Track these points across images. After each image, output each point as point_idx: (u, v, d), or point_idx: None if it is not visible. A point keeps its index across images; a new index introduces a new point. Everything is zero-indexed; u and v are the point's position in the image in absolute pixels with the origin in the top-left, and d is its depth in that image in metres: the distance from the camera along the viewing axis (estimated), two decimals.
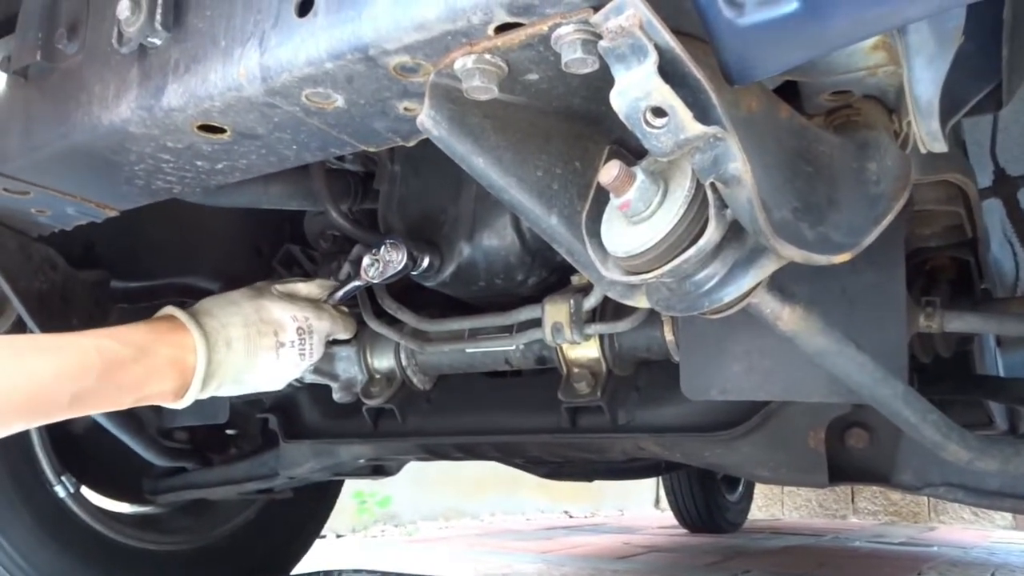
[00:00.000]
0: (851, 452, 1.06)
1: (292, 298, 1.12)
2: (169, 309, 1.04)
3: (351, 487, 3.34)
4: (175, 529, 1.76)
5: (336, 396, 1.33)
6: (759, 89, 0.62)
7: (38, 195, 0.94)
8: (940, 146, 0.59)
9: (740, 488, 4.25)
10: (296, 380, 1.20)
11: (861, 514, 5.45)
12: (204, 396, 1.03)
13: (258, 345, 1.05)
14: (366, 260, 1.12)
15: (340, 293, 1.17)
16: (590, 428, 1.15)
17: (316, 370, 1.29)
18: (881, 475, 1.05)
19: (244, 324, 1.05)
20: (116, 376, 0.93)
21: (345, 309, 1.19)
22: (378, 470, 1.60)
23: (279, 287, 1.14)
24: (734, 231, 0.61)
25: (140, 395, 0.97)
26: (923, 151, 0.61)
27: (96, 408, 0.95)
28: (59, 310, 1.16)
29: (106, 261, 1.30)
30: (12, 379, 0.85)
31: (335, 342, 1.27)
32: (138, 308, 1.40)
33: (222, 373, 1.02)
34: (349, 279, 1.17)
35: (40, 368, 0.87)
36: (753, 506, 4.71)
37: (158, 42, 0.74)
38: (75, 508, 1.55)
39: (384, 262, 1.11)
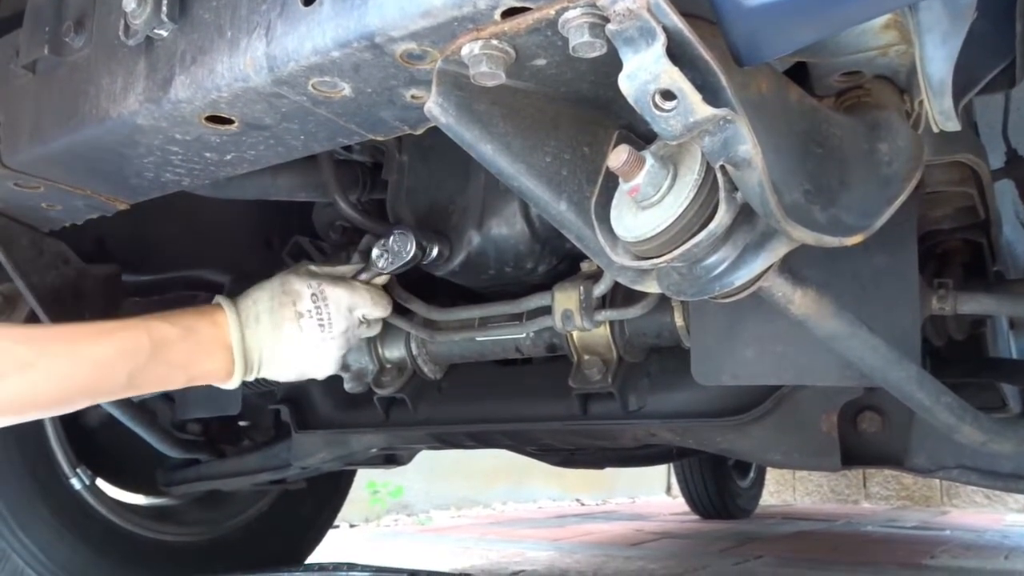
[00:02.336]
0: (864, 436, 1.06)
1: (315, 273, 1.13)
2: (216, 297, 1.09)
3: (363, 477, 3.35)
4: (190, 520, 1.77)
5: (347, 386, 1.33)
6: (769, 70, 0.62)
7: (48, 189, 0.95)
8: (953, 125, 0.58)
9: (752, 474, 4.24)
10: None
11: (873, 499, 5.45)
12: (251, 377, 1.07)
13: (281, 316, 1.07)
14: (375, 251, 1.12)
15: (363, 276, 1.15)
16: (601, 415, 1.15)
17: None
18: (894, 458, 1.05)
19: (269, 298, 1.08)
20: (166, 354, 0.98)
21: (379, 286, 1.17)
22: (390, 459, 1.61)
23: (313, 266, 1.15)
24: (745, 214, 0.61)
25: (191, 373, 1.02)
26: (936, 130, 0.60)
27: (152, 387, 1.01)
28: (71, 304, 1.17)
29: (117, 255, 1.31)
30: (72, 364, 0.92)
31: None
32: (150, 301, 1.41)
33: (256, 348, 1.06)
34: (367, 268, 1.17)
35: (96, 351, 0.93)
36: (765, 492, 4.71)
37: (164, 34, 0.74)
38: (91, 500, 1.56)
39: (393, 253, 1.11)
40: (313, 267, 1.15)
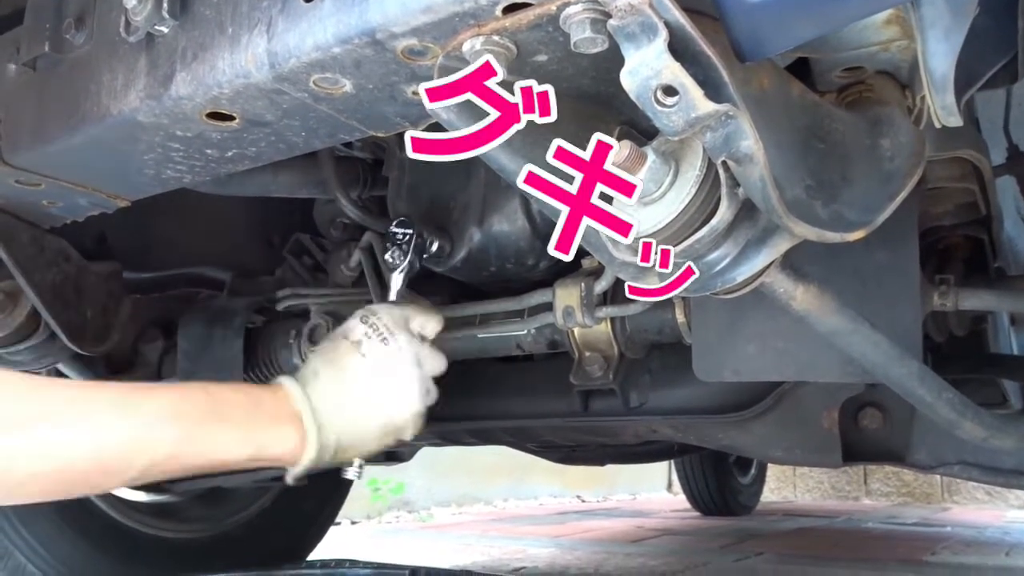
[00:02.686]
0: (865, 432, 1.06)
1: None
2: (278, 378, 1.00)
3: (365, 474, 3.35)
4: (192, 517, 1.77)
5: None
6: (771, 66, 0.62)
7: (49, 186, 0.95)
8: (955, 120, 0.58)
9: (752, 470, 4.25)
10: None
11: (874, 495, 5.45)
12: (327, 452, 0.95)
13: (337, 355, 0.99)
14: (387, 256, 1.11)
15: (393, 293, 1.12)
16: (603, 411, 1.15)
17: None
18: (895, 454, 1.05)
19: (321, 351, 1.02)
20: (227, 413, 0.88)
21: (420, 301, 1.15)
22: (391, 456, 1.61)
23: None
24: (746, 210, 0.61)
25: (257, 442, 0.89)
26: (937, 126, 0.60)
27: (211, 454, 0.86)
28: (73, 301, 1.17)
29: (118, 252, 1.31)
30: (116, 414, 0.80)
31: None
32: (151, 298, 1.41)
33: (325, 405, 0.95)
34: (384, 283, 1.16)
35: (145, 403, 0.83)
36: (765, 488, 4.72)
37: (165, 30, 0.73)
38: (93, 497, 1.56)
39: (396, 246, 1.11)
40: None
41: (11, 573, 1.49)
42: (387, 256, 1.11)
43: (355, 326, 1.02)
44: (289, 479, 0.96)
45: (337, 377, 0.97)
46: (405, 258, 1.09)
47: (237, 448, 0.88)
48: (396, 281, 1.11)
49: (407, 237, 1.10)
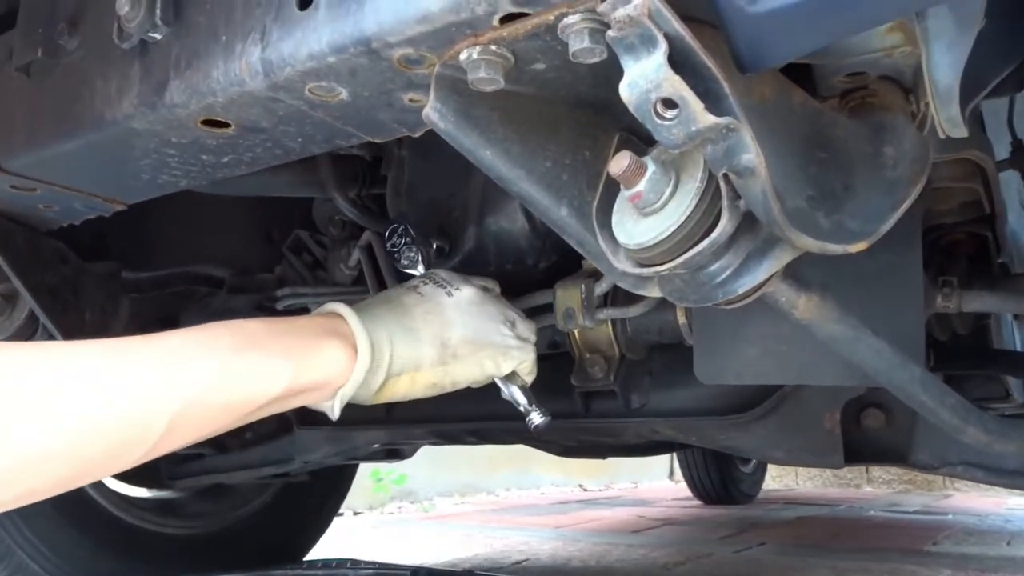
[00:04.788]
0: (867, 432, 1.05)
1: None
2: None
3: (367, 466, 3.36)
4: (193, 513, 1.78)
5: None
6: (772, 75, 0.61)
7: (45, 191, 0.94)
8: (960, 132, 0.57)
9: (754, 460, 4.26)
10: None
11: (876, 483, 5.46)
12: (383, 357, 0.84)
13: (395, 295, 0.93)
14: (404, 260, 1.10)
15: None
16: (604, 413, 1.15)
17: None
18: (898, 455, 1.05)
19: (378, 296, 0.97)
20: (261, 343, 0.76)
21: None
22: (392, 454, 1.61)
23: None
24: (748, 221, 0.60)
25: (300, 364, 0.78)
26: (942, 136, 0.59)
27: (251, 389, 0.74)
28: (71, 303, 1.16)
29: (116, 252, 1.30)
30: (143, 362, 0.68)
31: None
32: (149, 298, 1.40)
33: (379, 327, 0.86)
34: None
35: (166, 342, 0.72)
36: (767, 477, 4.73)
37: (159, 37, 0.72)
38: (94, 494, 1.57)
39: (392, 244, 1.10)
40: None
41: (13, 571, 1.50)
42: (403, 261, 1.09)
43: (411, 280, 0.98)
44: (336, 404, 0.83)
45: (391, 306, 0.90)
46: (417, 253, 1.08)
47: (277, 373, 0.76)
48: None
49: (408, 239, 1.09)
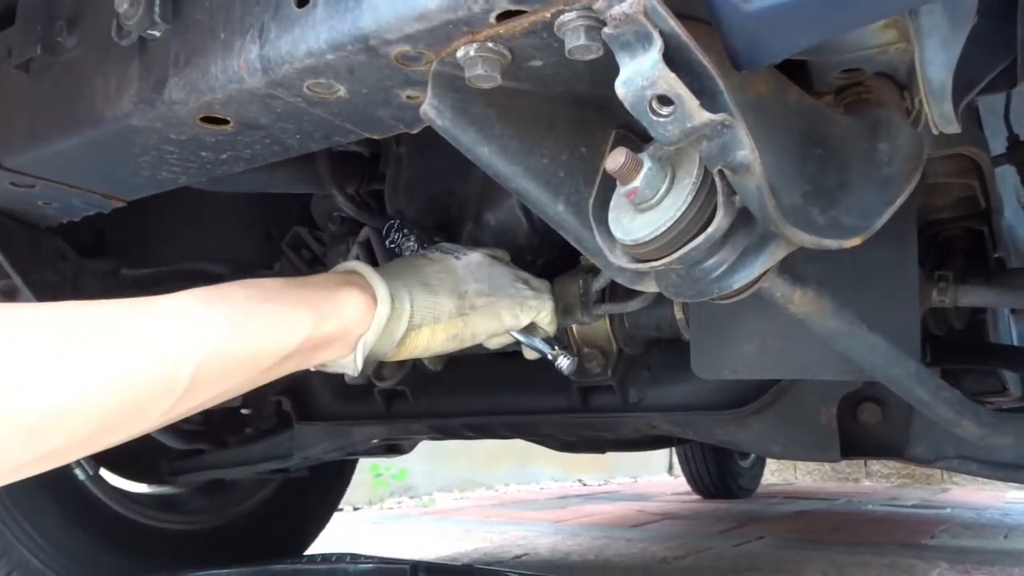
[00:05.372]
0: (864, 427, 1.06)
1: None
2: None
3: (367, 461, 3.37)
4: (194, 509, 1.78)
5: (348, 378, 1.33)
6: (767, 71, 0.61)
7: (44, 188, 0.94)
8: (953, 128, 0.57)
9: (752, 455, 4.27)
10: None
11: (874, 477, 5.48)
12: (404, 307, 0.83)
13: (409, 260, 0.94)
14: (406, 252, 1.09)
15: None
16: (601, 407, 1.15)
17: None
18: (894, 449, 1.05)
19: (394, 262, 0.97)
20: (275, 296, 0.74)
21: None
22: (391, 449, 1.62)
23: None
24: (743, 217, 0.60)
25: (319, 311, 0.76)
26: (935, 133, 0.60)
27: (267, 340, 0.72)
28: (70, 300, 1.17)
29: (116, 249, 1.30)
30: (149, 316, 0.65)
31: None
32: (149, 294, 1.40)
33: (391, 273, 0.86)
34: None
35: (169, 301, 0.69)
36: (766, 471, 4.74)
37: (157, 34, 0.73)
38: (95, 490, 1.57)
39: (391, 240, 1.10)
40: None
41: (15, 567, 1.50)
42: (406, 253, 1.09)
43: (419, 251, 0.99)
44: (359, 355, 0.81)
45: (406, 265, 0.91)
46: (417, 241, 1.09)
47: (297, 321, 0.74)
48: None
49: (406, 231, 1.09)
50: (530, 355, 1.02)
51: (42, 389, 0.58)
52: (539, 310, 0.99)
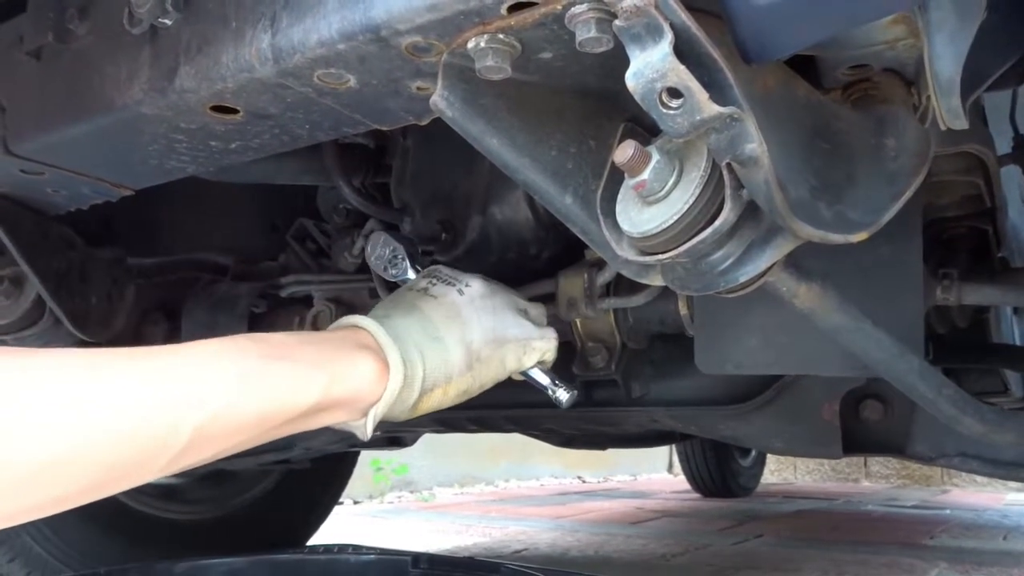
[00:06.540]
0: (866, 423, 1.06)
1: None
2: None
3: (368, 455, 3.38)
4: (196, 499, 1.79)
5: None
6: (776, 65, 0.62)
7: (53, 175, 0.95)
8: (960, 123, 0.58)
9: (753, 453, 4.27)
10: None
11: (874, 478, 5.48)
12: (416, 373, 0.81)
13: (403, 299, 0.90)
14: (394, 272, 1.05)
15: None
16: (605, 401, 1.15)
17: None
18: (896, 446, 1.06)
19: (385, 300, 0.94)
20: (289, 352, 0.73)
21: None
22: (394, 441, 1.62)
23: None
24: (750, 211, 0.61)
25: (331, 373, 0.74)
26: (943, 128, 0.60)
27: (279, 403, 0.70)
28: (77, 288, 1.17)
29: (123, 238, 1.31)
30: (151, 376, 0.64)
31: None
32: (154, 284, 1.41)
33: (400, 330, 0.82)
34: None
35: (185, 353, 0.68)
36: (766, 470, 4.75)
37: (169, 23, 0.73)
38: None
39: (377, 256, 1.05)
40: None
41: (17, 554, 1.51)
42: (392, 271, 1.05)
43: (416, 280, 0.94)
44: (369, 423, 0.79)
45: (411, 314, 0.86)
46: (404, 260, 1.04)
47: (309, 382, 0.72)
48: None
49: (391, 248, 1.05)
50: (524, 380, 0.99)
51: (40, 440, 0.57)
52: (543, 351, 0.96)
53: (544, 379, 0.98)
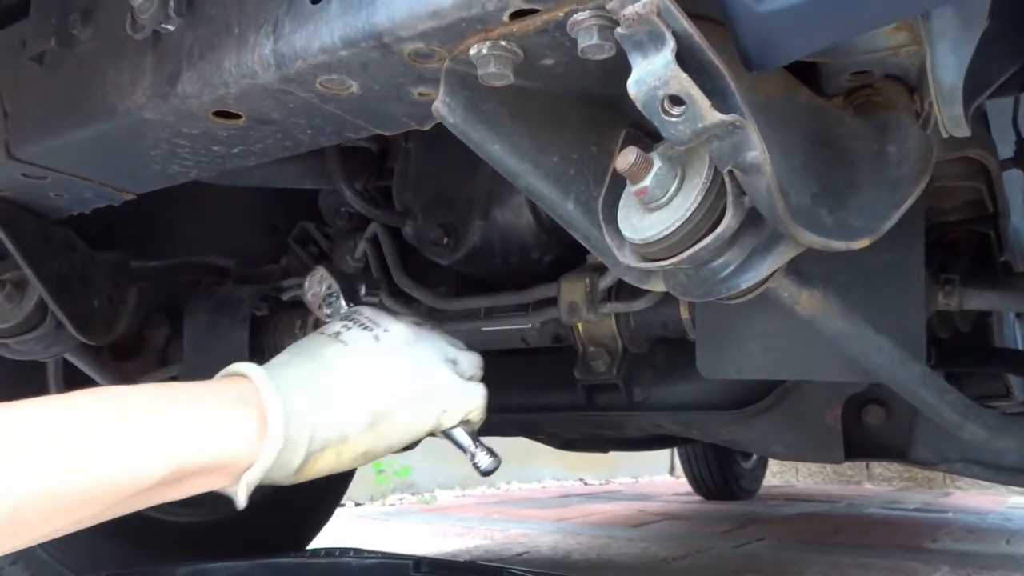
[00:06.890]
0: (868, 428, 1.06)
1: None
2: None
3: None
4: (197, 501, 1.77)
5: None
6: (778, 72, 0.62)
7: (55, 179, 0.95)
8: (963, 131, 0.58)
9: (755, 455, 4.26)
10: None
11: (876, 480, 5.47)
12: (301, 435, 0.71)
13: (309, 346, 0.81)
14: (327, 309, 1.01)
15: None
16: (606, 405, 1.16)
17: None
18: (898, 451, 1.06)
19: (292, 346, 0.84)
20: (133, 406, 0.65)
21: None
22: None
23: None
24: (752, 218, 0.61)
25: (195, 444, 0.66)
26: (945, 135, 0.60)
27: (124, 472, 0.62)
28: (79, 291, 1.18)
29: (124, 241, 1.31)
30: None
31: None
32: (156, 287, 1.41)
33: (291, 384, 0.73)
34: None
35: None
36: (767, 473, 4.74)
37: (171, 28, 0.73)
38: None
39: (313, 293, 1.02)
40: None
41: (19, 557, 1.51)
42: (326, 310, 1.01)
43: (332, 323, 0.86)
44: (241, 491, 0.70)
45: (311, 364, 0.77)
46: (339, 300, 1.00)
47: (160, 451, 0.63)
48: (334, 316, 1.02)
49: (328, 285, 1.02)
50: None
51: None
52: (467, 410, 0.85)
53: (465, 441, 0.86)
